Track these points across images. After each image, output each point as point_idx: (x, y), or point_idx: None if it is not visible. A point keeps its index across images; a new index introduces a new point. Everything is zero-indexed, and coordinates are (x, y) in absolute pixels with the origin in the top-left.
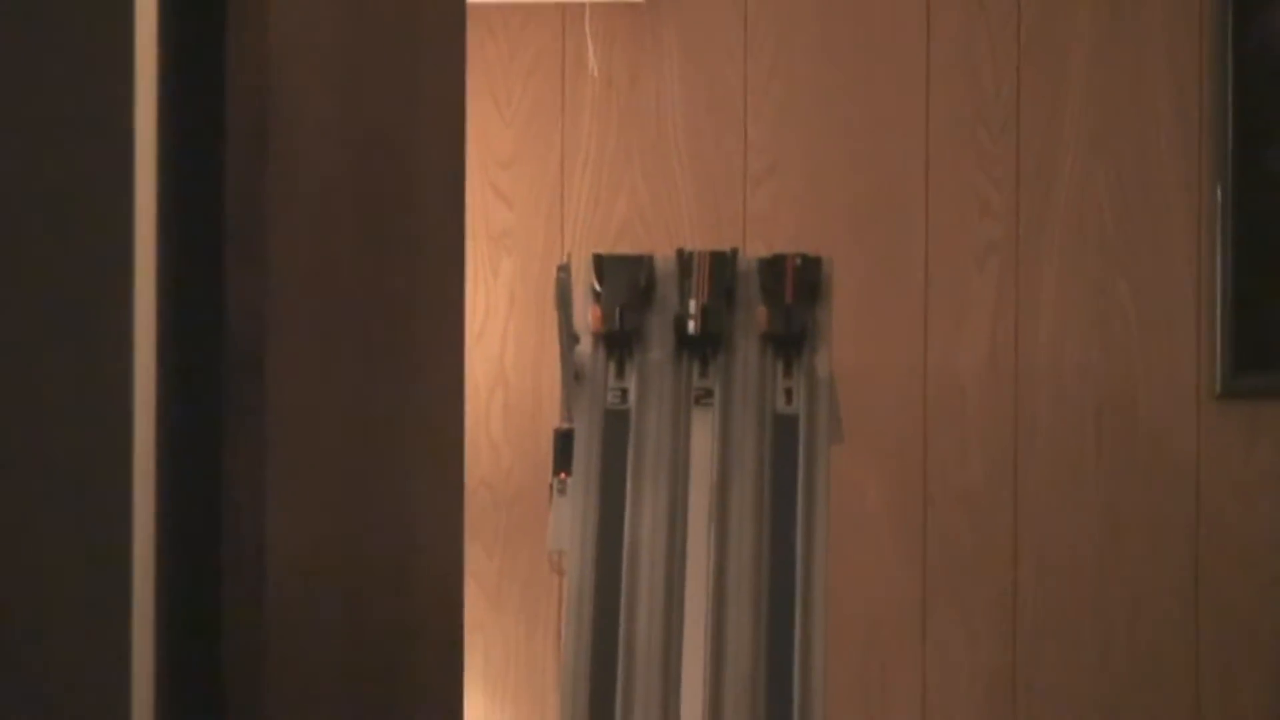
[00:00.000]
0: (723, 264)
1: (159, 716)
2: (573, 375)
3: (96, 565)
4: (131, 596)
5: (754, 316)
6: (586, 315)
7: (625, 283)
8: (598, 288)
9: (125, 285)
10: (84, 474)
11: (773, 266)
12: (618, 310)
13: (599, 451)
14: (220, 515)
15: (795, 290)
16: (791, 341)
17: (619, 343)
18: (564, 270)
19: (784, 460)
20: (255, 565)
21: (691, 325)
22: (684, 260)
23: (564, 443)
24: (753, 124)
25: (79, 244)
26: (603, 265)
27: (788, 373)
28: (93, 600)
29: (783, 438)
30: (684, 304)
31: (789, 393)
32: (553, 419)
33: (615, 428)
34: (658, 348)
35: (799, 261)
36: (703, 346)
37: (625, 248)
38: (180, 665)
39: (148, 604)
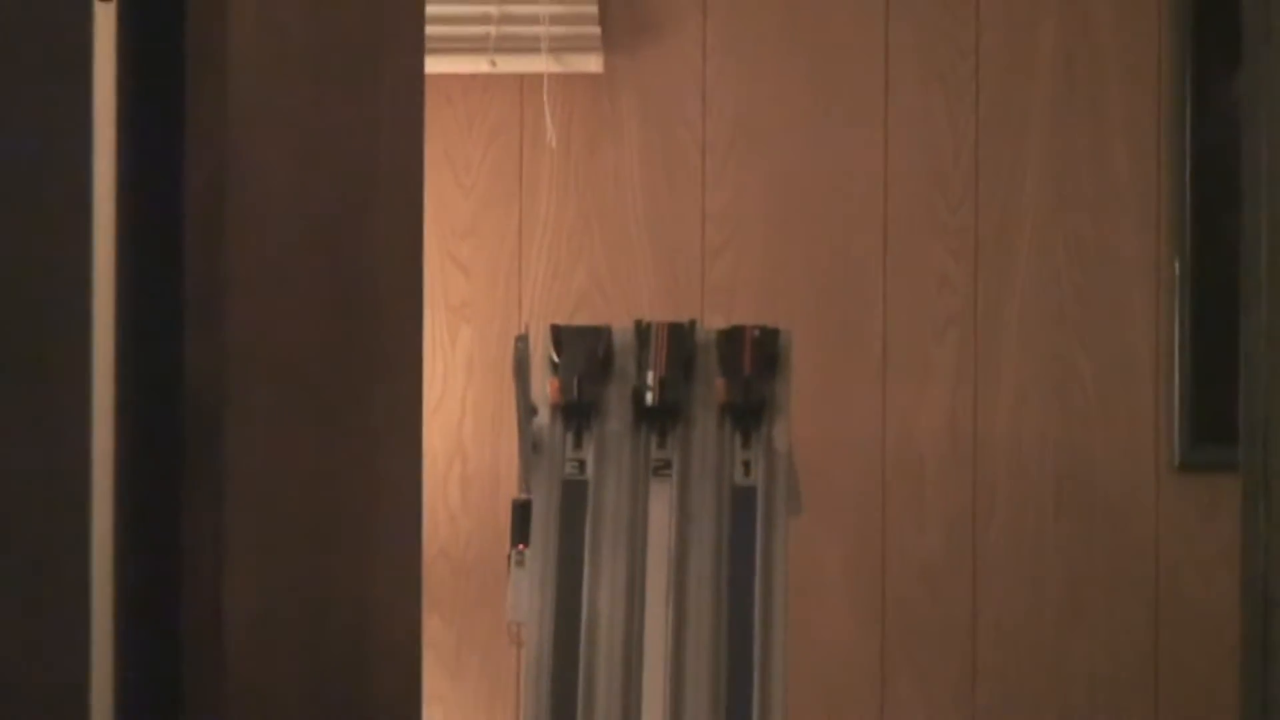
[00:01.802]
0: (681, 335)
1: None
2: (530, 446)
3: (55, 633)
4: (90, 667)
5: (712, 388)
6: (544, 386)
7: (583, 353)
8: (556, 358)
9: (84, 352)
10: (43, 542)
11: (731, 338)
12: (576, 381)
13: (557, 522)
14: (179, 583)
15: (754, 362)
16: (750, 413)
17: (577, 414)
18: (522, 341)
19: (742, 532)
20: (213, 634)
21: (650, 396)
22: (642, 331)
23: (522, 513)
24: (711, 195)
25: (37, 311)
26: (561, 336)
27: (746, 444)
28: (52, 667)
29: (741, 509)
30: (642, 375)
31: (747, 465)
32: (511, 489)
33: (573, 499)
34: (616, 419)
35: (757, 333)
36: (661, 418)
37: (583, 318)
38: None
39: (106, 675)
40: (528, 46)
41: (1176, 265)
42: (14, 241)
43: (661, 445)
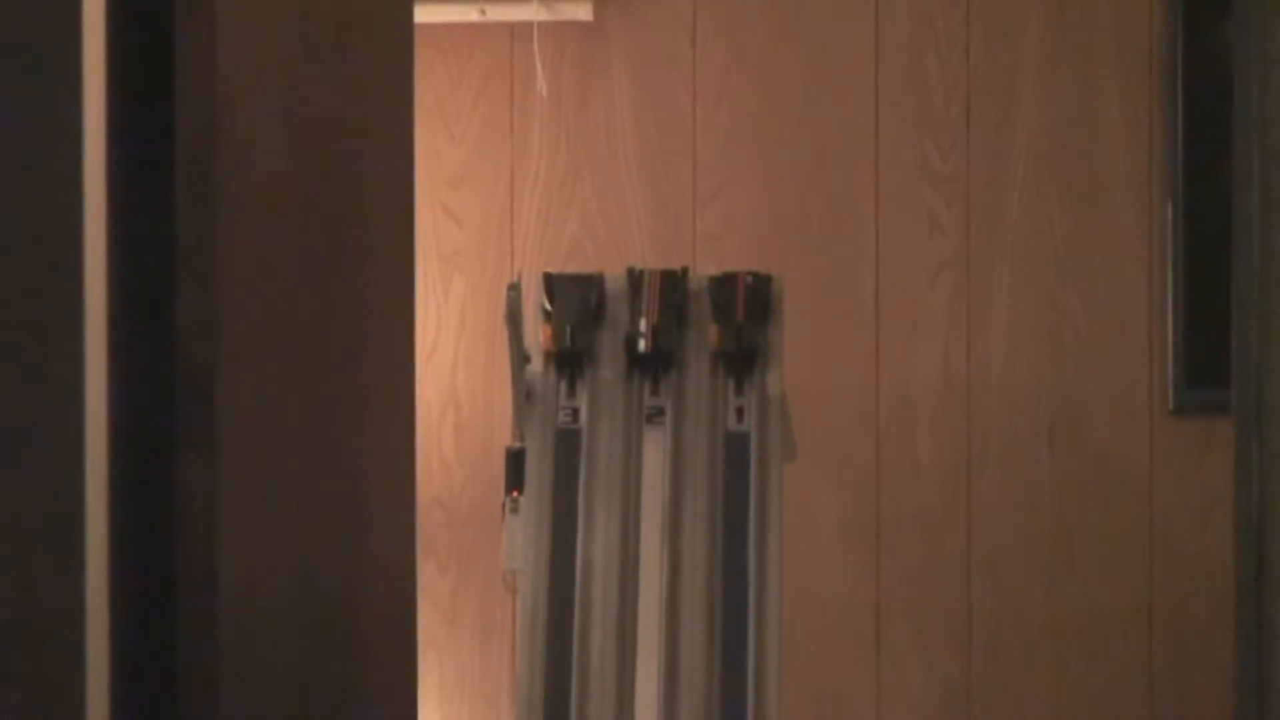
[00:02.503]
0: (673, 282)
1: None
2: (524, 394)
3: (49, 586)
4: (85, 616)
5: (705, 335)
6: (537, 334)
7: (576, 302)
8: (548, 307)
9: (76, 311)
10: (37, 499)
11: (723, 285)
12: (568, 329)
13: (551, 470)
14: (173, 536)
15: (746, 308)
16: (743, 359)
17: (570, 362)
18: (514, 289)
19: (736, 479)
20: (209, 585)
21: (642, 344)
22: (634, 279)
23: (516, 462)
24: (702, 142)
25: (27, 271)
26: (553, 284)
27: (739, 391)
28: (45, 620)
29: (734, 456)
30: (635, 323)
31: (740, 411)
32: (504, 438)
33: (567, 447)
34: (609, 366)
35: (750, 279)
36: (654, 365)
37: (576, 266)
38: (135, 685)
39: (102, 621)
40: None
41: (1169, 208)
42: (2, 193)
43: (655, 392)
